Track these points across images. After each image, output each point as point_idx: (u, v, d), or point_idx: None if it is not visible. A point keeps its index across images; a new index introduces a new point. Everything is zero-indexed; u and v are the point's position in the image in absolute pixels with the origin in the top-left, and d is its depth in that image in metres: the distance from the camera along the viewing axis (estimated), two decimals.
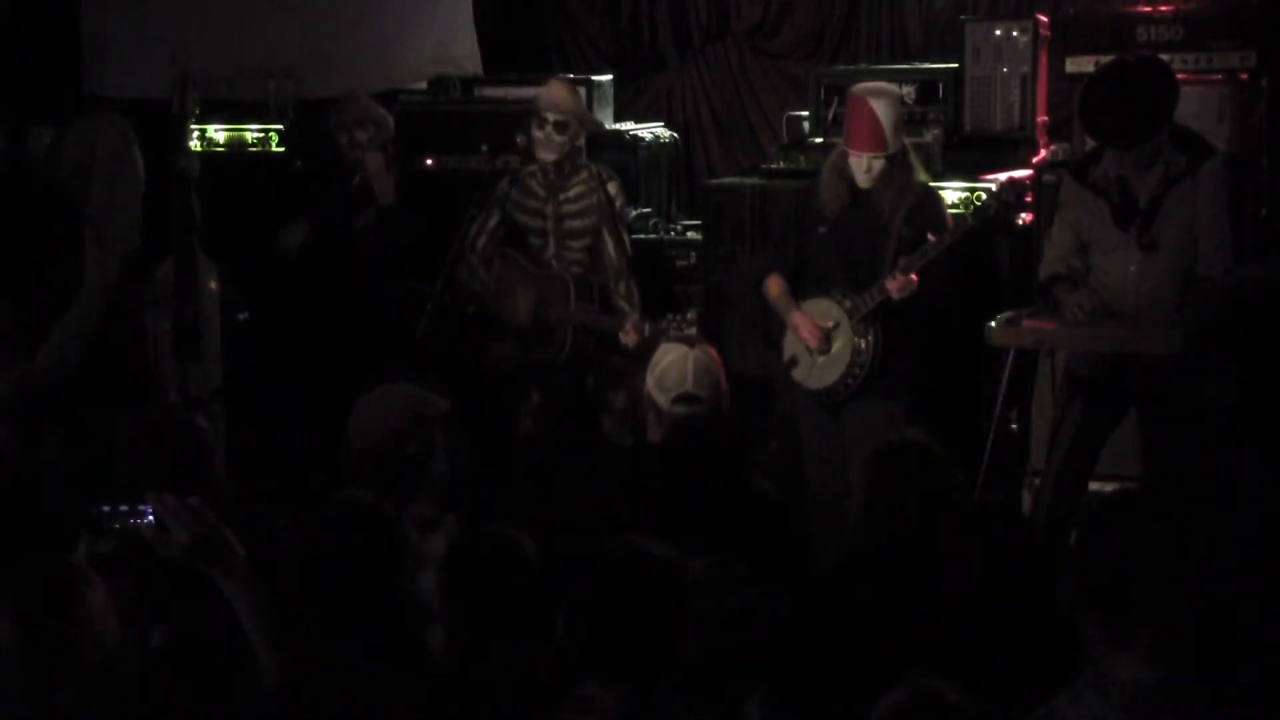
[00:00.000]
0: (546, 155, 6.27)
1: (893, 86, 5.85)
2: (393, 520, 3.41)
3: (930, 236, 5.48)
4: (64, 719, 2.62)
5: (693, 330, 5.33)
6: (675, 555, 3.06)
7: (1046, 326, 5.41)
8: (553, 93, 6.35)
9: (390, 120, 6.96)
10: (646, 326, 5.69)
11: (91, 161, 7.04)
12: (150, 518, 2.80)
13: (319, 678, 2.96)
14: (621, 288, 6.22)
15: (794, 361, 5.77)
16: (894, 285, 5.44)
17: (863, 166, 5.59)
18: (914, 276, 5.44)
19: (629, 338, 5.78)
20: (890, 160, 5.58)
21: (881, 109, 5.54)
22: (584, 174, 6.33)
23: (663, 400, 4.35)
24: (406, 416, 4.21)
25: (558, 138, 6.25)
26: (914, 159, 5.72)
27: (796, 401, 5.93)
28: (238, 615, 2.87)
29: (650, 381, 4.42)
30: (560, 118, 6.26)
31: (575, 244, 6.31)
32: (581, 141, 6.47)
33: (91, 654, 2.63)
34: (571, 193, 6.32)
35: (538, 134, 6.26)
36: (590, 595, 3.02)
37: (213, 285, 6.79)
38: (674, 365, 4.38)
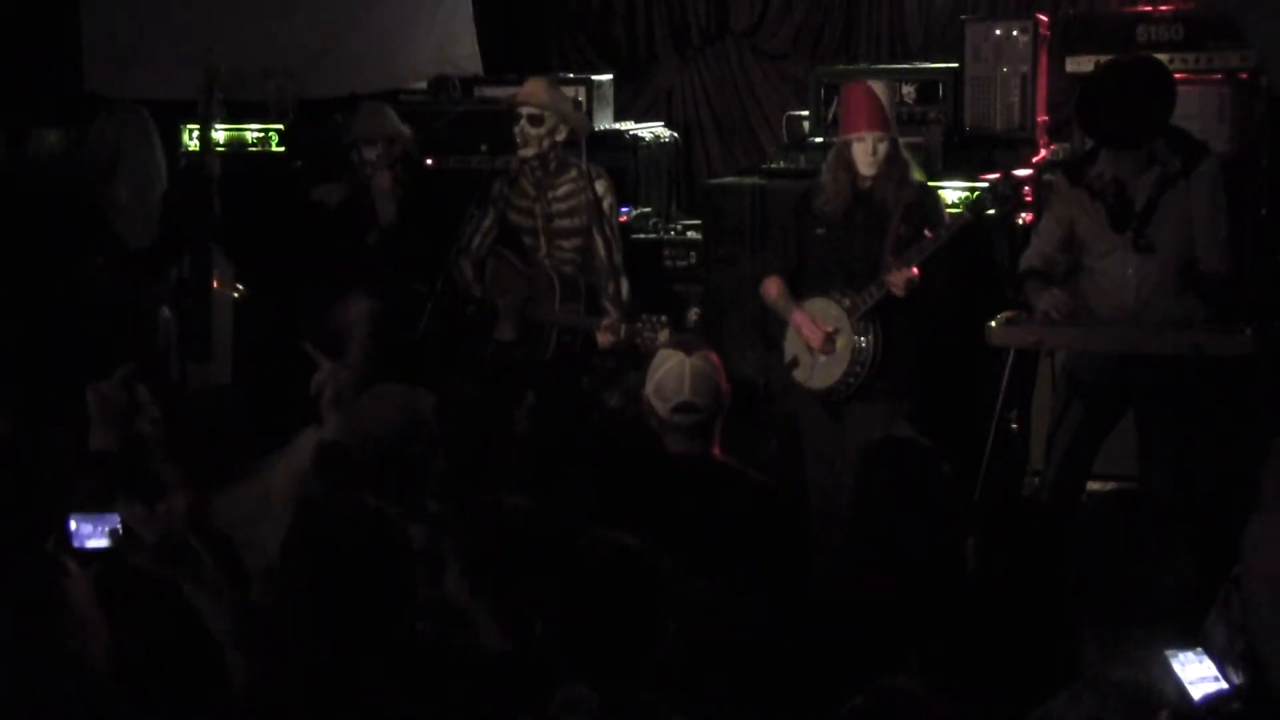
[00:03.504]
0: (526, 150, 6.25)
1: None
2: (398, 524, 3.40)
3: (927, 232, 5.48)
4: (47, 713, 2.60)
5: (665, 331, 5.34)
6: (650, 548, 3.05)
7: (1046, 326, 5.41)
8: (528, 88, 6.34)
9: (405, 131, 6.81)
10: (623, 327, 5.71)
11: (117, 155, 7.02)
12: (118, 523, 2.79)
13: (291, 678, 2.95)
14: (610, 288, 6.20)
15: (795, 362, 5.76)
16: (895, 279, 5.43)
17: (868, 149, 5.57)
18: (914, 271, 5.43)
19: (605, 338, 5.81)
20: (893, 147, 5.59)
21: (880, 90, 5.59)
22: (573, 173, 6.32)
23: (662, 409, 4.33)
24: (406, 416, 4.21)
25: (532, 131, 6.23)
26: (908, 156, 5.72)
27: (797, 402, 5.93)
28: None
29: (649, 389, 4.40)
30: (535, 111, 6.24)
31: (566, 243, 6.31)
32: (566, 138, 6.40)
33: (73, 646, 2.61)
34: (560, 192, 6.30)
35: (515, 130, 6.26)
36: (566, 591, 3.02)
37: (224, 285, 6.79)
38: (670, 373, 4.35)
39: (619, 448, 5.18)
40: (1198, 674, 2.56)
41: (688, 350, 4.41)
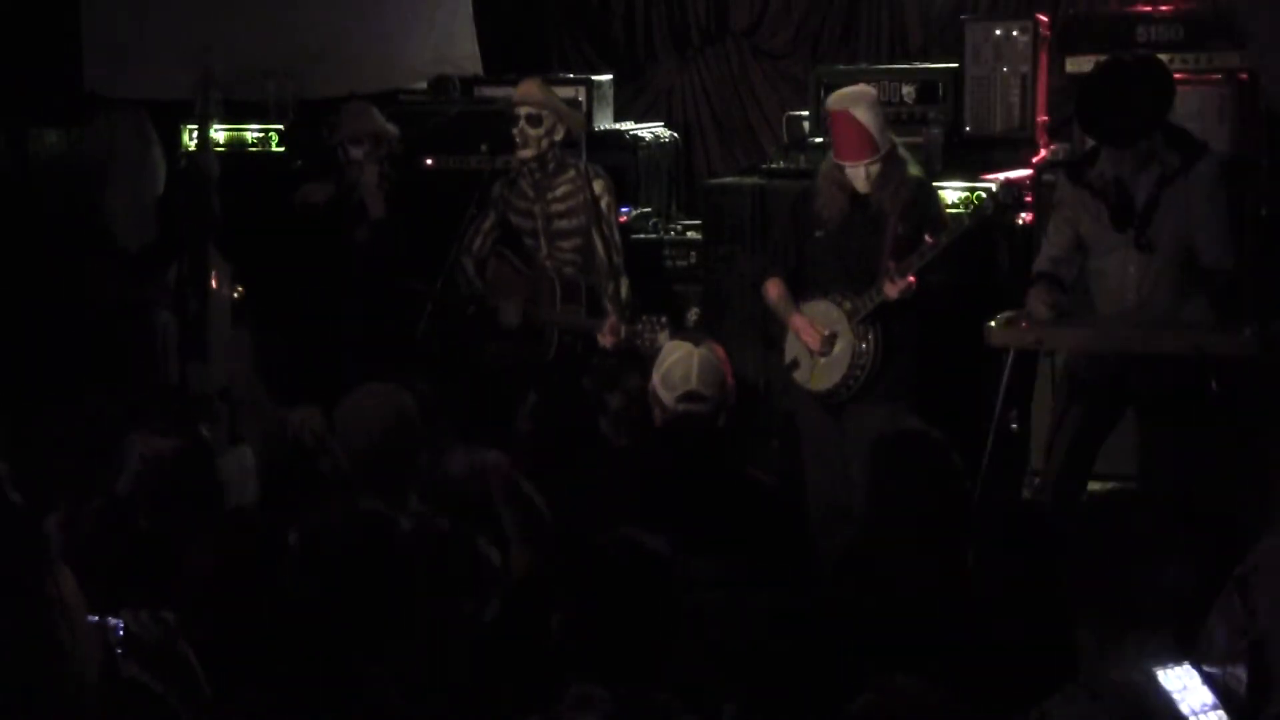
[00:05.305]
0: (524, 151, 6.25)
1: (866, 88, 5.79)
2: (394, 526, 3.40)
3: (927, 238, 5.47)
4: (35, 706, 2.59)
5: (664, 333, 5.41)
6: (669, 550, 3.05)
7: (1046, 326, 5.40)
8: (523, 88, 6.36)
9: (390, 129, 6.86)
10: (623, 328, 5.75)
11: (110, 157, 7.05)
12: (120, 631, 2.76)
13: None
14: (610, 288, 6.21)
15: (795, 364, 5.76)
16: (892, 289, 5.45)
17: (860, 175, 5.59)
18: (911, 279, 5.44)
19: (605, 339, 5.85)
20: (885, 160, 5.58)
21: (864, 115, 5.53)
22: (571, 173, 6.33)
23: (668, 397, 4.37)
24: (394, 415, 4.22)
25: (531, 131, 6.24)
26: (904, 153, 5.71)
27: (797, 403, 5.93)
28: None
29: (656, 378, 4.44)
30: (532, 111, 6.25)
31: (566, 244, 6.31)
32: (564, 138, 6.41)
33: (64, 638, 2.60)
34: (559, 192, 6.31)
35: (514, 131, 6.26)
36: (584, 590, 3.02)
37: (223, 285, 6.79)
38: (679, 363, 4.40)
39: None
40: (1181, 684, 2.57)
41: (695, 342, 4.47)
